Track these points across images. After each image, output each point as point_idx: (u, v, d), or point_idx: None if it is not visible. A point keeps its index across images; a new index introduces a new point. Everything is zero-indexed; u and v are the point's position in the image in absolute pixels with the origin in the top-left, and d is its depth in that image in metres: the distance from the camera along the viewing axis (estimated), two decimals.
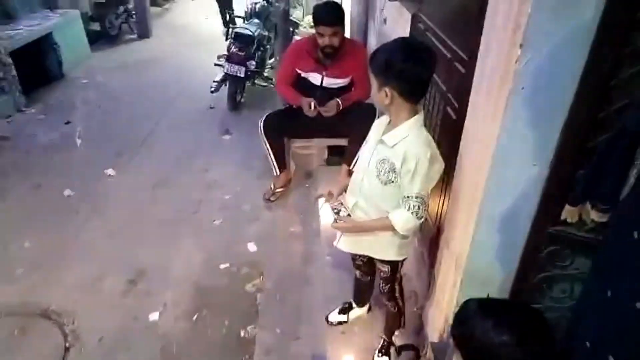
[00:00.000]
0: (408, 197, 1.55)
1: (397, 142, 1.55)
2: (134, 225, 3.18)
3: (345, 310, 2.31)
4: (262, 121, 3.19)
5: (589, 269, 1.28)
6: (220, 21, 7.87)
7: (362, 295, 2.27)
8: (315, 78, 3.08)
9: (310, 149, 3.76)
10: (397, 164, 1.55)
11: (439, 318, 1.86)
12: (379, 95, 1.54)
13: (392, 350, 2.11)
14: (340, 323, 2.30)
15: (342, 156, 3.25)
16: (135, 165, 3.92)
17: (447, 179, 1.85)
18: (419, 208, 1.55)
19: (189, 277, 2.74)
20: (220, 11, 7.74)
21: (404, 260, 1.85)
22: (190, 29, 8.30)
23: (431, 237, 2.09)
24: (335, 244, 1.91)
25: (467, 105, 1.62)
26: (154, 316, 2.47)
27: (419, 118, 1.56)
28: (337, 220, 1.77)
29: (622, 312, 0.87)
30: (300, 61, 3.07)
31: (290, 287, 2.63)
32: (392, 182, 1.59)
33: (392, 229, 1.64)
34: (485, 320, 1.09)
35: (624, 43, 1.11)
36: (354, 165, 2.29)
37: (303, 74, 3.11)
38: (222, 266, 2.82)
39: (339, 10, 2.90)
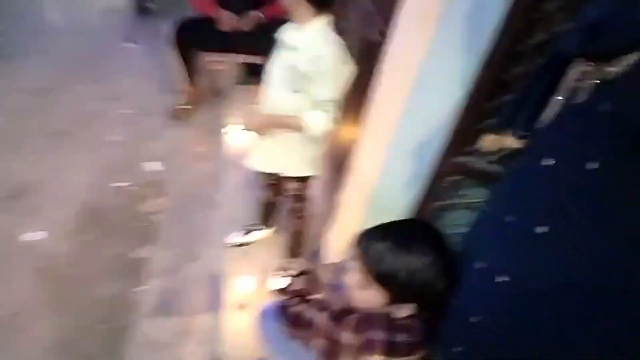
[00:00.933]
0: (321, 100, 1.52)
1: (304, 44, 1.48)
2: (14, 137, 2.79)
3: (249, 231, 2.26)
4: (173, 30, 2.88)
5: (486, 196, 1.32)
6: None
7: (267, 216, 2.23)
8: None
9: (223, 65, 3.47)
10: (305, 67, 1.47)
11: (340, 241, 1.88)
12: None
13: (289, 271, 2.12)
14: (242, 244, 2.25)
15: (258, 75, 3.05)
16: (15, 69, 3.38)
17: (361, 103, 1.81)
18: (333, 111, 1.54)
19: (79, 195, 2.50)
20: None
21: (313, 178, 1.85)
22: None
23: (339, 161, 2.08)
24: (247, 163, 1.84)
25: (392, 29, 1.55)
26: (34, 235, 2.23)
27: (325, 18, 1.50)
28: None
29: (518, 236, 0.89)
30: None
31: (192, 208, 2.51)
32: (302, 89, 1.52)
33: (303, 129, 1.58)
34: (398, 244, 1.02)
35: None
36: None
37: None
38: (118, 185, 2.60)
39: None
